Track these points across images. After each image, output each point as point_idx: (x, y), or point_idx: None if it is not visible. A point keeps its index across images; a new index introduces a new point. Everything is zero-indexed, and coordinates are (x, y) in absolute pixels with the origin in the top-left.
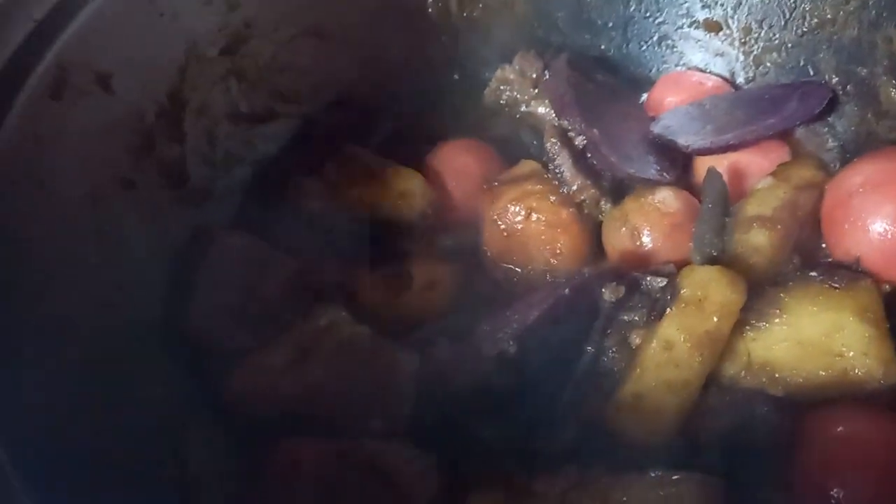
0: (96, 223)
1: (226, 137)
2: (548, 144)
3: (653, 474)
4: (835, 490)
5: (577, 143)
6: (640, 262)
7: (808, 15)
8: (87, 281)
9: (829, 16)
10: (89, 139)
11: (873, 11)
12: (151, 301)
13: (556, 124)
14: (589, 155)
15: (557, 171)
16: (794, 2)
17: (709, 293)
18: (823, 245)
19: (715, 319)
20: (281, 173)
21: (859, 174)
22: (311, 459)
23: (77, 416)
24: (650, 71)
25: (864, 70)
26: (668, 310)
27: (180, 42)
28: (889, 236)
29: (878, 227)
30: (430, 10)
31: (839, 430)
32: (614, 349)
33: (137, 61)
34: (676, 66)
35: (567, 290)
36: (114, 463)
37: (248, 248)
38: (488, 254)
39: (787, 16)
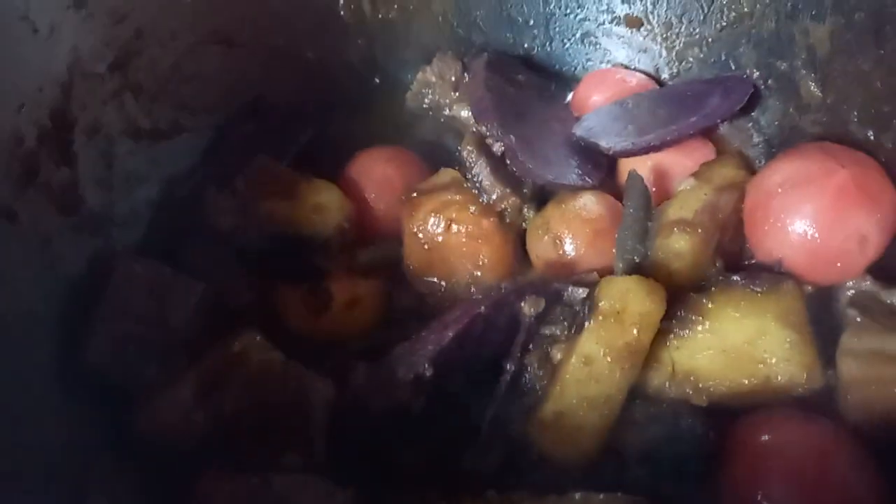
0: None
1: (126, 157)
2: (464, 153)
3: (576, 496)
4: (761, 498)
5: (495, 149)
6: (564, 271)
7: (726, 8)
8: None
9: (746, 9)
10: None
11: (789, 4)
12: (42, 338)
13: (474, 130)
14: (508, 162)
15: (476, 179)
16: None
17: (627, 304)
18: (748, 246)
19: (634, 332)
20: (190, 190)
21: (778, 173)
22: (222, 499)
23: None
24: (575, 69)
25: (784, 64)
26: (587, 323)
27: (61, 59)
28: (810, 237)
29: (798, 227)
30: (341, 11)
31: (764, 438)
32: (536, 365)
33: (11, 82)
34: (601, 63)
35: (483, 308)
36: None
37: (152, 274)
38: (410, 268)
39: (706, 10)
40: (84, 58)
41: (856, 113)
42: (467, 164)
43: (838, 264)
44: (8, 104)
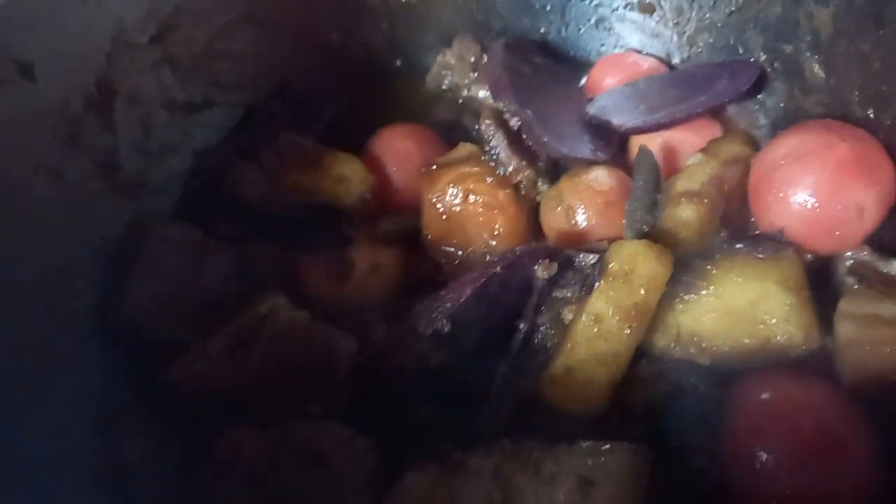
0: (20, 212)
1: (161, 127)
2: (482, 126)
3: (583, 444)
4: (760, 453)
5: (511, 124)
6: (576, 241)
7: None
8: (12, 271)
9: None
10: (12, 128)
11: None
12: (82, 293)
13: (493, 106)
14: (524, 136)
15: (493, 152)
16: None
17: (636, 266)
18: (752, 219)
19: (642, 292)
20: (219, 162)
21: (782, 147)
22: (246, 448)
23: (8, 409)
24: (589, 54)
25: (790, 47)
26: (597, 284)
27: (107, 29)
28: (810, 206)
29: (799, 197)
30: None
31: (763, 396)
32: (548, 325)
33: (61, 49)
34: (614, 48)
35: (499, 268)
36: (50, 452)
37: (186, 238)
38: (429, 237)
39: None
40: (127, 29)
41: (857, 93)
42: (485, 137)
43: (837, 233)
44: (58, 69)
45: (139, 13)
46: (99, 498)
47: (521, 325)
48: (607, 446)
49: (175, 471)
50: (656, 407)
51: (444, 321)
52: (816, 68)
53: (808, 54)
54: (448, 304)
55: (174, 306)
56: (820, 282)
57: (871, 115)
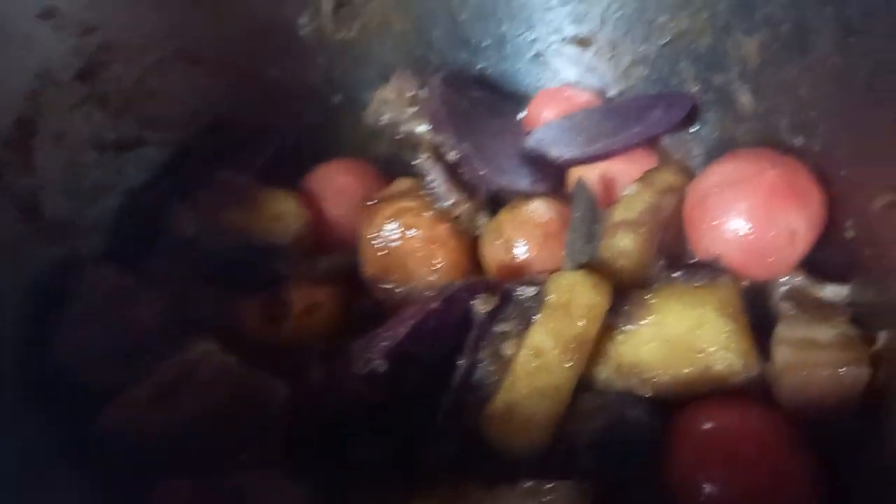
0: None
1: (91, 167)
2: (421, 160)
3: (525, 484)
4: (705, 485)
5: (449, 157)
6: (517, 274)
7: (666, 26)
8: None
9: (685, 26)
10: None
11: (723, 17)
12: (6, 341)
13: (431, 140)
14: (462, 169)
15: (432, 185)
16: (653, 14)
17: (574, 297)
18: (689, 247)
19: (581, 323)
20: (152, 201)
21: (715, 175)
22: (180, 500)
23: None
24: (527, 87)
25: (721, 77)
26: (536, 316)
27: (30, 67)
28: (743, 232)
29: (733, 224)
30: (300, 32)
31: (705, 426)
32: (488, 360)
33: None
34: (552, 81)
35: (437, 304)
36: None
37: (117, 281)
38: (368, 274)
39: (648, 28)
40: (53, 67)
41: (786, 120)
42: (423, 170)
43: (771, 259)
44: None
45: (65, 48)
46: None
47: (461, 362)
48: (550, 485)
49: None
50: (599, 440)
51: (381, 360)
52: (746, 97)
53: (739, 83)
54: (384, 343)
55: (104, 351)
56: (756, 308)
57: (800, 143)
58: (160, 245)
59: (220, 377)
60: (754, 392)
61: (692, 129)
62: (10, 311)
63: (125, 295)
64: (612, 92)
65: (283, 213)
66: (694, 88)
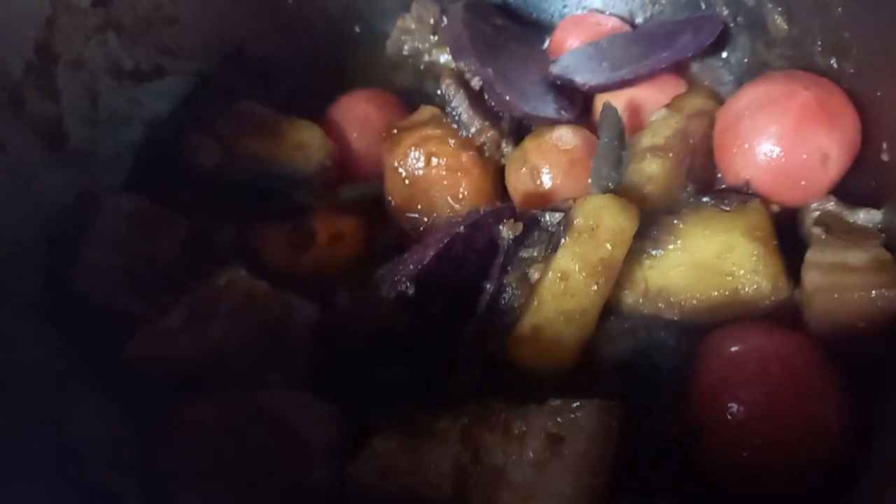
0: None
1: (109, 95)
2: (443, 87)
3: (552, 403)
4: (730, 405)
5: (473, 84)
6: (542, 202)
7: None
8: None
9: None
10: None
11: None
12: (32, 269)
13: (454, 67)
14: (486, 96)
15: (455, 114)
16: None
17: (601, 221)
18: (719, 175)
19: (608, 247)
20: (173, 132)
21: (746, 97)
22: (207, 418)
23: None
24: (552, 15)
25: (752, 0)
26: (563, 240)
27: None
28: (775, 156)
29: (764, 147)
30: None
31: (733, 348)
32: (514, 285)
33: None
34: (577, 9)
35: (462, 228)
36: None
37: (137, 209)
38: (392, 203)
39: None
40: None
41: (819, 43)
42: (446, 97)
43: (802, 182)
44: None
45: None
46: (56, 483)
47: (487, 286)
48: (577, 403)
49: (133, 447)
50: (625, 363)
51: (408, 284)
52: (779, 20)
53: (770, 6)
54: (411, 267)
55: (127, 279)
56: (787, 234)
57: (834, 65)
58: (181, 176)
59: (249, 301)
60: (783, 316)
61: (722, 55)
62: (34, 238)
63: (146, 224)
64: (639, 18)
65: (306, 142)
66: (724, 12)
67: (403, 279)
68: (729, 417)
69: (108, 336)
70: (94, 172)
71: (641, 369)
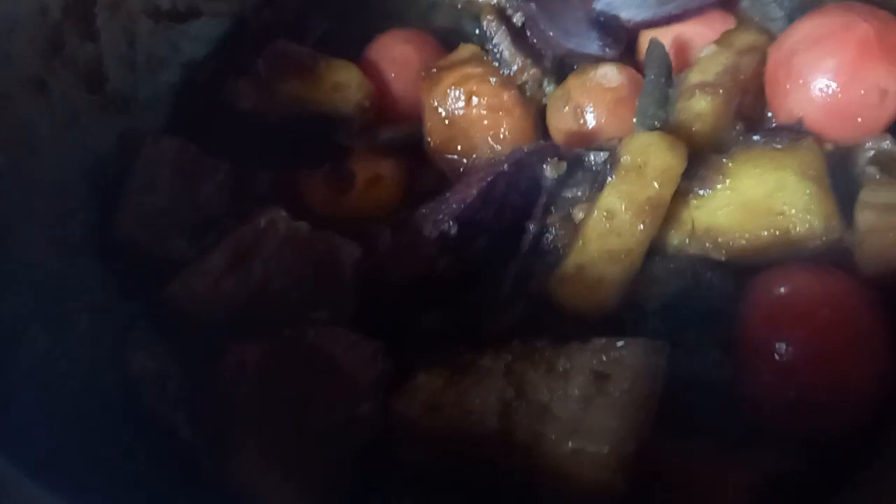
0: (8, 124)
1: (147, 37)
2: (484, 23)
3: (597, 341)
4: (779, 345)
5: (515, 19)
6: (585, 142)
7: None
8: (4, 190)
9: None
10: None
11: None
12: (77, 211)
13: (495, 2)
14: (528, 33)
15: (496, 51)
16: None
17: (649, 159)
18: (769, 114)
19: (656, 185)
20: (211, 75)
21: (800, 32)
22: (254, 356)
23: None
24: None
25: None
26: (609, 179)
27: None
28: (830, 92)
29: (818, 83)
30: None
31: (781, 288)
32: (558, 225)
33: None
34: None
35: (505, 167)
36: (59, 372)
37: (179, 152)
38: (431, 144)
39: None
40: None
41: None
42: (488, 34)
43: (858, 119)
44: None
45: None
46: (109, 418)
47: (531, 226)
48: (622, 342)
49: (182, 383)
50: (670, 304)
51: (451, 223)
52: None
53: None
54: (454, 206)
55: (170, 222)
56: (840, 173)
57: None
58: (220, 118)
59: (291, 242)
60: (834, 258)
61: None
62: (81, 181)
63: (186, 167)
64: None
65: (345, 83)
66: None
67: (446, 218)
68: (776, 357)
69: (156, 277)
70: (135, 115)
71: (687, 310)
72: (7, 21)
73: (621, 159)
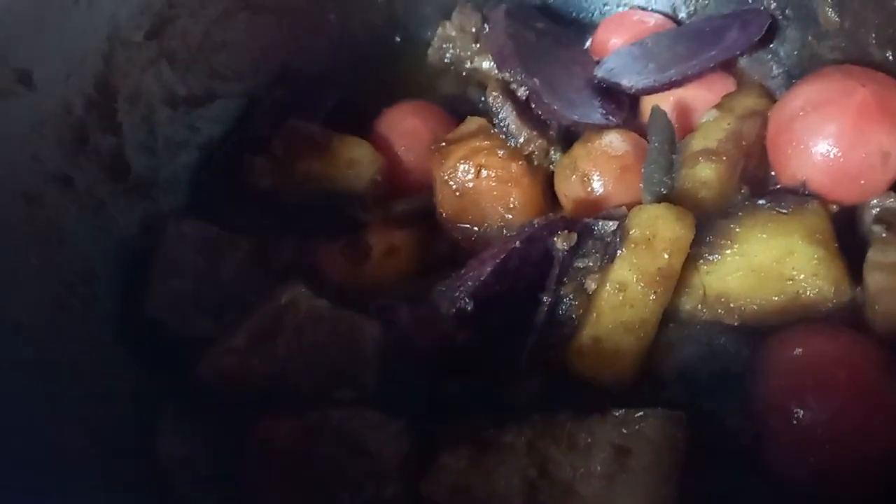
0: (33, 224)
1: (166, 123)
2: (490, 98)
3: (616, 413)
4: (797, 410)
5: (519, 94)
6: (593, 209)
7: None
8: (32, 282)
9: None
10: (16, 138)
11: None
12: (105, 297)
13: (499, 77)
14: (533, 105)
15: (503, 124)
16: None
17: (657, 231)
18: (773, 173)
19: (666, 256)
20: (228, 154)
21: (800, 96)
22: (281, 438)
23: (39, 414)
24: (593, 14)
25: None
26: (619, 252)
27: (101, 28)
28: (832, 156)
29: (820, 148)
30: None
31: (796, 351)
32: (571, 296)
33: (57, 53)
34: (618, 6)
35: (518, 243)
36: (83, 458)
37: (200, 233)
38: (443, 215)
39: None
40: (122, 26)
41: (874, 35)
42: (493, 109)
43: (862, 182)
44: (56, 74)
45: (132, 10)
46: (136, 498)
47: (545, 298)
48: (640, 413)
49: (211, 465)
50: (687, 371)
51: (467, 300)
52: (830, 12)
53: None
54: (469, 283)
55: (194, 302)
56: (846, 233)
57: (890, 58)
58: (238, 196)
59: (312, 320)
60: (845, 318)
61: (770, 48)
62: (105, 268)
63: (209, 249)
64: (682, 14)
65: (357, 159)
66: (771, 5)
67: (462, 295)
68: (795, 422)
69: (182, 359)
70: (156, 198)
71: (704, 376)
72: (33, 123)
73: (630, 232)
